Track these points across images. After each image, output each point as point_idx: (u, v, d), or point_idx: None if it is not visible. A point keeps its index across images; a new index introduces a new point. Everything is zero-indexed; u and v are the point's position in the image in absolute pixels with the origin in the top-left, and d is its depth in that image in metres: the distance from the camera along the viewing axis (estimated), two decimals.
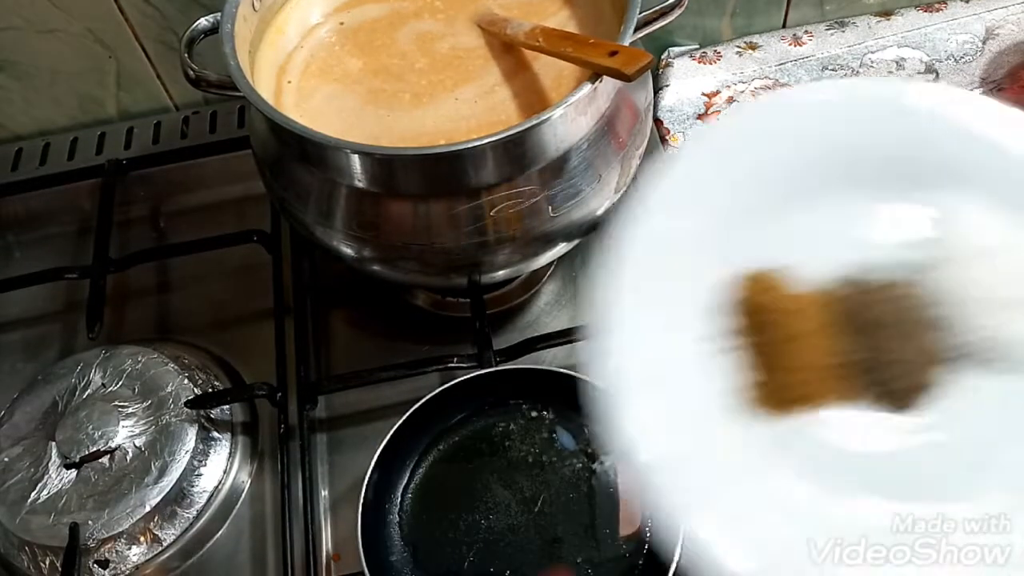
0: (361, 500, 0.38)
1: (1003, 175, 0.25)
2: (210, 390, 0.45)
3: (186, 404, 0.43)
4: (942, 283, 0.24)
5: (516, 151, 0.36)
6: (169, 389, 0.44)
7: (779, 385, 0.24)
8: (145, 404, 0.43)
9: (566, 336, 0.44)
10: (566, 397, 0.40)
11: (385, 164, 0.37)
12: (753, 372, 0.24)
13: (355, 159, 0.36)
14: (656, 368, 0.24)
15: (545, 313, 0.49)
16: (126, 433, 0.42)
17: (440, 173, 0.37)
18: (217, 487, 0.42)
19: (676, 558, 0.31)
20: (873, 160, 0.26)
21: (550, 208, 0.38)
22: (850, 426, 0.24)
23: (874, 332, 0.24)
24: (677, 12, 0.40)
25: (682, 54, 0.60)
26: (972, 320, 0.24)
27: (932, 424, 0.24)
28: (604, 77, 0.35)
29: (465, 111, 0.40)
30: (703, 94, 0.59)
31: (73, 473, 0.41)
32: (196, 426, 0.43)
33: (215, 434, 0.43)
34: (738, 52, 0.60)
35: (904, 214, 0.25)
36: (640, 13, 0.38)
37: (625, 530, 0.37)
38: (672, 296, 0.25)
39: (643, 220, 0.25)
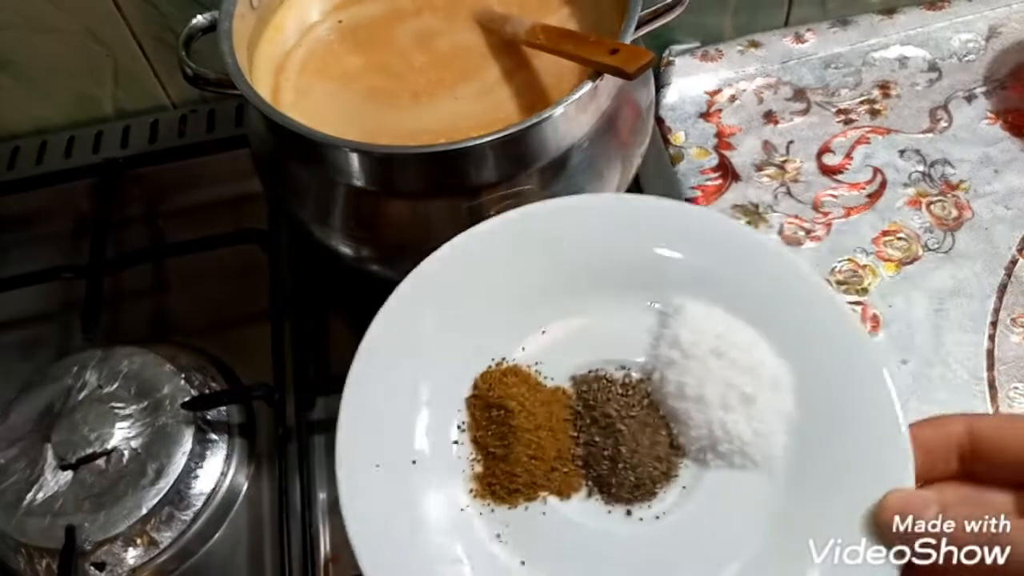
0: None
1: (721, 281, 0.28)
2: (207, 391, 0.44)
3: (183, 406, 0.42)
4: (676, 380, 0.26)
5: (516, 150, 0.36)
6: (166, 390, 0.43)
7: (507, 475, 0.26)
8: (141, 405, 0.43)
9: None
10: None
11: (384, 163, 0.36)
12: (484, 464, 0.26)
13: (354, 158, 0.36)
14: (390, 461, 0.26)
15: None
16: (122, 435, 0.42)
17: (440, 172, 0.36)
18: (214, 489, 0.42)
19: None
20: (617, 266, 0.29)
21: None
22: (579, 515, 0.26)
23: (610, 425, 0.26)
24: (678, 10, 0.39)
25: (684, 52, 0.60)
26: (699, 416, 0.26)
27: (662, 514, 0.26)
28: (605, 75, 0.35)
29: (465, 109, 0.40)
30: (705, 92, 0.58)
31: (69, 475, 0.41)
32: (193, 428, 0.42)
33: (212, 436, 0.43)
34: (740, 50, 0.59)
35: (645, 316, 0.28)
36: (641, 11, 0.37)
37: None
38: (413, 388, 0.27)
39: (393, 312, 0.28)
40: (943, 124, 0.55)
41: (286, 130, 0.35)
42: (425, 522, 0.25)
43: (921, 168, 0.53)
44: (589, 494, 0.26)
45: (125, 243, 0.53)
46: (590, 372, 0.28)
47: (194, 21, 0.40)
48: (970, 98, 0.56)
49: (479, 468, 0.26)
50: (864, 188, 0.53)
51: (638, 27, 0.37)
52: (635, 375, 0.28)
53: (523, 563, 0.25)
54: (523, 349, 0.28)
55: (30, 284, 0.49)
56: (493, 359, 0.28)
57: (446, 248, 0.29)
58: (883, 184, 0.53)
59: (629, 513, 0.26)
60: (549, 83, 0.40)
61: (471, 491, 0.26)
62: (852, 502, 0.24)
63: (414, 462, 0.26)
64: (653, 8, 0.39)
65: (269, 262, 0.48)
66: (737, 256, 0.28)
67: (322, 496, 0.43)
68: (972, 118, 0.55)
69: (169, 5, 0.54)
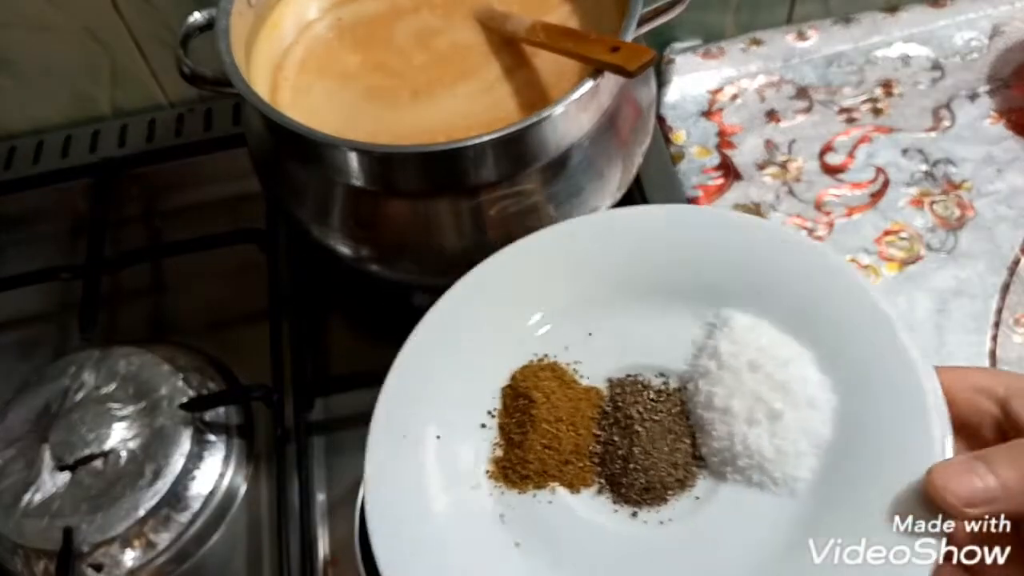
0: (359, 504, 0.37)
1: (777, 295, 0.28)
2: (205, 392, 0.44)
3: (181, 407, 0.42)
4: (706, 390, 0.26)
5: (516, 149, 0.35)
6: (163, 391, 0.43)
7: (520, 461, 0.27)
8: (139, 406, 0.43)
9: None
10: None
11: (383, 162, 0.36)
12: (504, 448, 0.27)
13: (353, 157, 0.36)
14: (417, 433, 0.27)
15: None
16: (120, 436, 0.41)
17: (439, 171, 0.36)
18: (212, 491, 0.42)
19: None
20: (670, 276, 0.29)
21: (551, 207, 0.37)
22: (584, 509, 0.26)
23: (630, 426, 0.27)
24: (680, 8, 0.39)
25: (685, 50, 0.59)
26: (723, 428, 0.26)
27: (668, 520, 0.26)
28: (606, 73, 0.34)
29: (464, 108, 0.39)
30: (707, 91, 0.58)
31: (67, 476, 0.41)
32: (191, 429, 0.42)
33: (210, 437, 0.43)
34: (742, 48, 0.59)
35: (693, 327, 0.28)
36: (642, 9, 0.37)
37: None
38: (454, 374, 0.28)
39: (448, 305, 0.29)
40: (946, 123, 0.55)
41: (284, 129, 0.35)
42: (435, 491, 0.26)
43: (924, 167, 0.53)
44: (599, 491, 0.26)
45: (123, 243, 0.53)
46: (628, 376, 0.28)
47: (191, 19, 0.40)
48: (973, 97, 0.56)
49: (499, 452, 0.27)
50: (866, 187, 0.52)
51: (639, 25, 0.37)
52: (673, 384, 0.28)
53: (518, 545, 0.26)
54: (566, 348, 0.29)
55: (27, 284, 0.49)
56: (535, 355, 0.29)
57: (507, 250, 0.30)
58: (885, 183, 0.52)
59: (635, 515, 0.26)
60: (549, 81, 0.40)
61: (487, 472, 0.27)
62: (881, 539, 0.22)
63: (439, 437, 0.27)
64: (654, 6, 0.39)
65: (267, 262, 0.48)
66: (794, 270, 0.28)
67: (321, 497, 0.42)
68: (975, 117, 0.55)
69: (166, 3, 0.53)
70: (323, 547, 0.41)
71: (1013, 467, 0.22)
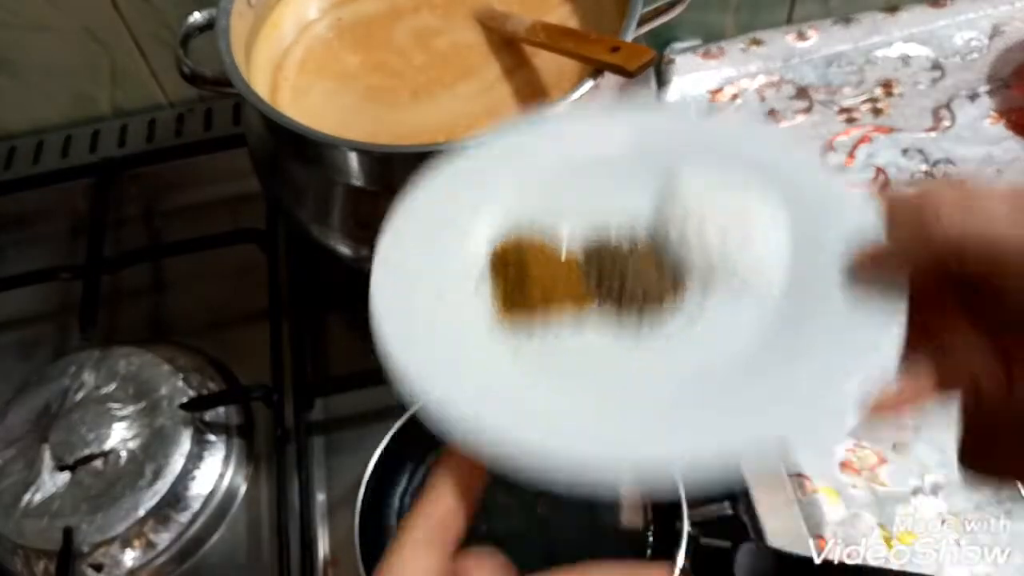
0: (359, 504, 0.37)
1: (733, 159, 0.31)
2: (205, 392, 0.44)
3: (181, 407, 0.42)
4: (679, 228, 0.30)
5: None
6: (163, 391, 0.43)
7: (520, 295, 0.29)
8: (139, 406, 0.43)
9: None
10: None
11: (383, 162, 0.36)
12: (502, 290, 0.30)
13: (353, 157, 0.36)
14: (425, 300, 0.28)
15: None
16: (120, 436, 0.42)
17: None
18: (212, 491, 0.42)
19: (683, 545, 0.35)
20: (624, 151, 0.32)
21: None
22: (584, 330, 0.29)
23: (615, 267, 0.30)
24: (680, 8, 0.39)
25: (685, 50, 0.59)
26: (699, 254, 0.29)
27: (661, 338, 0.28)
28: (606, 73, 0.34)
29: (465, 108, 0.39)
30: (707, 91, 0.58)
31: (67, 476, 0.41)
32: (191, 429, 0.42)
33: (210, 437, 0.43)
34: (742, 48, 0.59)
35: (649, 187, 0.31)
36: (642, 9, 0.37)
37: (628, 522, 0.38)
38: (448, 243, 0.30)
39: (436, 180, 0.31)
40: (946, 123, 0.55)
41: (284, 129, 0.35)
42: (436, 293, 0.28)
43: (924, 167, 0.53)
44: (597, 316, 0.29)
45: (123, 243, 0.53)
46: (601, 234, 0.31)
47: (192, 19, 0.40)
48: (973, 97, 0.56)
49: (497, 304, 0.29)
50: (866, 188, 0.52)
51: (639, 25, 0.37)
52: (645, 233, 0.30)
53: (517, 351, 0.28)
54: (543, 221, 0.31)
55: (27, 284, 0.49)
56: (509, 231, 0.31)
57: (474, 143, 0.32)
58: (886, 183, 0.52)
59: (630, 334, 0.28)
60: (549, 81, 0.40)
61: (489, 316, 0.29)
62: (847, 324, 0.26)
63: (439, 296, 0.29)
64: (654, 6, 0.39)
65: (267, 262, 0.48)
66: (747, 138, 0.32)
67: (321, 497, 0.42)
68: (975, 117, 0.55)
69: (166, 3, 0.53)
70: (323, 547, 0.41)
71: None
